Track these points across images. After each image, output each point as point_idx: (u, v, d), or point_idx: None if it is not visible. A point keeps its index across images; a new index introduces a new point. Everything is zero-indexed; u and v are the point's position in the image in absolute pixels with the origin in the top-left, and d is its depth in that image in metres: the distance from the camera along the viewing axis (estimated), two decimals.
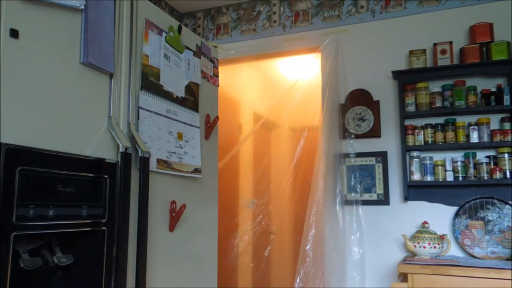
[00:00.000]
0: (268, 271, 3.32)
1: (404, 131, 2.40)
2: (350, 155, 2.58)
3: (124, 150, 1.06)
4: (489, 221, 2.21)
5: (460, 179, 2.28)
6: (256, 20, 3.01)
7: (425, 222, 2.26)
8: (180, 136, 1.36)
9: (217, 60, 1.67)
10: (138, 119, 1.18)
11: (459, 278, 1.89)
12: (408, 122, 2.43)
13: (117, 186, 1.04)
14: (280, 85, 3.49)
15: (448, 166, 2.32)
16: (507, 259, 2.10)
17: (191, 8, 3.17)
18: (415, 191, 2.40)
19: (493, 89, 2.30)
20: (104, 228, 1.01)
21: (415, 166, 2.38)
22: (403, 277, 2.06)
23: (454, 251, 2.28)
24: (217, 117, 1.58)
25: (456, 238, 2.27)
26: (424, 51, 2.42)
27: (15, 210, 0.81)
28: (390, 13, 2.64)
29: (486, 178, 2.22)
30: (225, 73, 2.09)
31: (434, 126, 2.37)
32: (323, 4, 2.83)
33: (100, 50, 1.05)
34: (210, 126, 1.54)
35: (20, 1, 0.86)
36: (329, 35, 2.75)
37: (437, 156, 2.38)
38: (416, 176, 2.37)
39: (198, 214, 1.44)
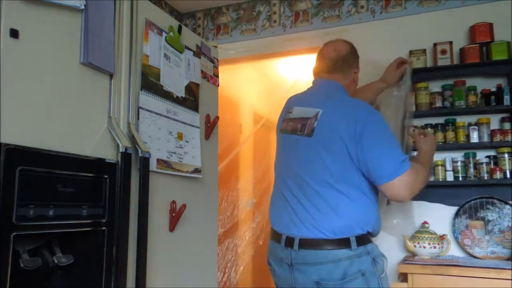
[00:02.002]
0: (268, 270, 3.31)
1: (404, 131, 2.40)
2: None
3: (124, 150, 1.06)
4: (489, 221, 2.21)
5: (460, 179, 2.28)
6: (256, 20, 3.01)
7: (425, 222, 2.26)
8: (180, 136, 1.36)
9: (217, 60, 1.67)
10: (138, 119, 1.18)
11: (459, 278, 1.89)
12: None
13: (117, 186, 1.04)
14: (280, 85, 3.49)
15: (448, 166, 2.32)
16: (507, 259, 2.10)
17: (191, 8, 3.16)
18: None
19: (493, 89, 2.30)
20: (104, 228, 1.01)
21: None
22: (403, 277, 2.06)
23: (454, 251, 2.28)
24: (217, 117, 1.58)
25: (456, 238, 2.27)
26: (424, 51, 2.42)
27: (15, 210, 0.81)
28: (390, 13, 2.64)
29: (486, 178, 2.22)
30: (225, 73, 2.09)
31: (434, 126, 2.37)
32: (323, 4, 2.83)
33: (100, 50, 1.05)
34: (210, 126, 1.54)
35: (20, 1, 0.86)
36: (329, 35, 2.74)
37: (437, 156, 2.38)
38: None
39: (198, 214, 1.44)
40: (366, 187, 1.46)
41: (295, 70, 3.35)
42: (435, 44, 2.41)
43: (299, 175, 1.51)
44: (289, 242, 1.44)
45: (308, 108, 1.57)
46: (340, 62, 1.63)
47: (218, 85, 1.65)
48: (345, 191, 1.43)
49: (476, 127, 2.29)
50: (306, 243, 1.42)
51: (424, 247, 2.14)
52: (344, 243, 1.39)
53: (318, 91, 1.64)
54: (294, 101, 1.70)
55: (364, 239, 1.42)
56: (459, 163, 2.29)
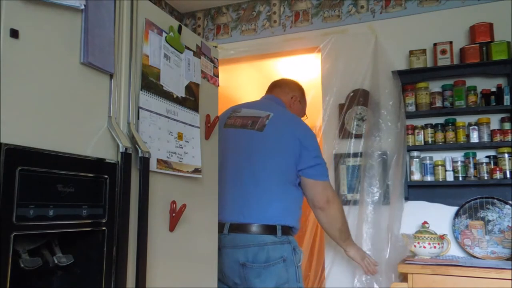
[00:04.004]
0: None
1: (404, 131, 2.40)
2: (350, 155, 2.58)
3: (124, 150, 1.06)
4: (489, 221, 2.22)
5: (460, 179, 2.28)
6: (256, 20, 3.01)
7: (425, 222, 2.26)
8: (180, 136, 1.36)
9: (217, 60, 1.67)
10: (138, 119, 1.18)
11: (459, 278, 1.89)
12: (408, 122, 2.43)
13: (117, 186, 1.04)
14: None
15: (448, 166, 2.32)
16: (507, 259, 2.10)
17: (191, 8, 3.17)
18: (415, 191, 2.40)
19: (493, 89, 2.30)
20: (104, 228, 1.01)
21: (415, 166, 2.38)
22: (403, 277, 2.06)
23: (454, 251, 2.28)
24: (217, 117, 1.58)
25: (456, 238, 2.27)
26: (424, 51, 2.42)
27: (15, 210, 0.81)
28: (390, 13, 2.64)
29: (486, 178, 2.22)
30: (225, 73, 2.09)
31: (434, 126, 2.37)
32: (323, 4, 2.83)
33: (100, 50, 1.05)
34: (210, 126, 1.54)
35: (20, 1, 0.86)
36: (329, 35, 2.74)
37: (437, 156, 2.38)
38: (416, 176, 2.37)
39: (198, 214, 1.44)
40: (298, 186, 1.69)
41: (295, 70, 3.35)
42: (435, 44, 2.41)
43: (241, 165, 1.69)
44: (219, 227, 1.55)
45: (259, 110, 1.79)
46: (280, 83, 1.97)
47: (218, 85, 1.65)
48: (282, 184, 1.63)
49: (476, 127, 2.29)
50: (236, 227, 1.59)
51: (424, 247, 2.14)
52: (270, 230, 1.57)
53: (265, 102, 1.90)
54: (241, 106, 1.90)
55: (287, 231, 1.61)
56: (459, 163, 2.29)
